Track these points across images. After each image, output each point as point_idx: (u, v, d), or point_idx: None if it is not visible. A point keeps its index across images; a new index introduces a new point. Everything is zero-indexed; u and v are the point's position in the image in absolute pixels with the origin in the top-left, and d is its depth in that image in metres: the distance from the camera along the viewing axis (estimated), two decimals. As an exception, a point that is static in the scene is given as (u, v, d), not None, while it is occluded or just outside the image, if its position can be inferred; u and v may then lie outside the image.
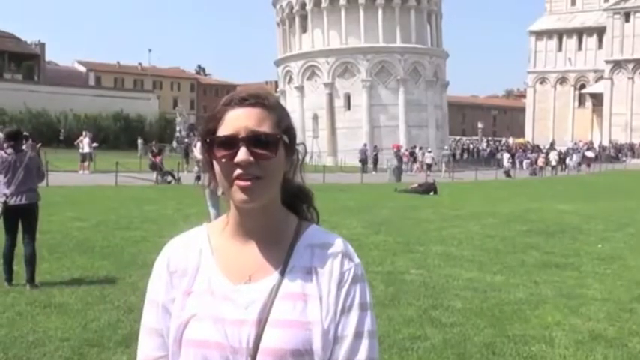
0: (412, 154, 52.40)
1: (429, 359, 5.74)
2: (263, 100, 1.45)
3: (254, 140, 1.40)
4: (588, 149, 74.00)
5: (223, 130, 1.42)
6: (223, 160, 1.41)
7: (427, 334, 6.46)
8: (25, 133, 9.07)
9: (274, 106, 1.47)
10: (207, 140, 1.45)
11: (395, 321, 6.86)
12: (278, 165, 1.44)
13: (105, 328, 6.39)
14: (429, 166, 47.50)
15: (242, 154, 1.39)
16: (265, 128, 1.42)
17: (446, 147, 56.43)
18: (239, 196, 1.41)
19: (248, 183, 1.39)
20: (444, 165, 49.57)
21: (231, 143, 1.40)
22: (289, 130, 1.48)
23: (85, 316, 6.84)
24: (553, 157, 57.47)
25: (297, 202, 1.57)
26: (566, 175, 52.83)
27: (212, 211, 11.70)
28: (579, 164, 62.96)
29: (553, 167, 54.99)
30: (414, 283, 8.83)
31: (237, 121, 1.42)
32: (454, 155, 58.47)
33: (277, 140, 1.43)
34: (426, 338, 6.31)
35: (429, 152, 50.18)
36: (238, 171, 1.39)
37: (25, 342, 5.93)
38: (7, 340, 6.00)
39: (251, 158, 1.39)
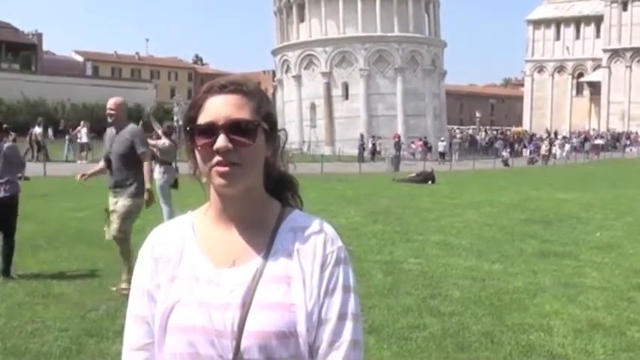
0: (426, 144, 52.82)
1: (427, 348, 5.74)
2: (242, 86, 1.47)
3: (233, 127, 1.41)
4: (586, 138, 74.26)
5: (203, 118, 1.44)
6: (203, 148, 1.43)
7: (426, 323, 6.46)
8: (4, 126, 8.89)
9: (254, 93, 1.48)
10: (188, 128, 1.46)
11: (393, 310, 6.86)
12: (257, 151, 1.45)
13: (103, 318, 6.39)
14: (442, 155, 48.31)
15: (221, 141, 1.40)
16: (244, 115, 1.43)
17: (457, 137, 57.89)
18: (218, 181, 1.42)
19: (227, 168, 1.40)
20: (457, 153, 50.91)
21: (210, 130, 1.42)
22: (269, 117, 1.49)
23: (84, 306, 6.84)
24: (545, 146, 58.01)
25: (281, 188, 1.57)
26: (565, 164, 52.83)
27: (164, 208, 11.15)
28: (587, 152, 63.45)
29: (545, 156, 55.19)
30: (412, 273, 8.84)
31: (216, 108, 1.43)
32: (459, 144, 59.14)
33: (256, 127, 1.44)
34: (425, 327, 6.32)
35: (442, 141, 51.30)
36: (217, 158, 1.41)
37: (24, 332, 5.93)
38: (6, 330, 6.00)
39: (230, 145, 1.40)
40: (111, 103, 7.59)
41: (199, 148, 1.43)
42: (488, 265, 9.58)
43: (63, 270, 8.52)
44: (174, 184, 11.30)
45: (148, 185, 7.45)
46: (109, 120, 7.67)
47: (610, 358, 5.65)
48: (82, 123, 36.44)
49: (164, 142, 11.33)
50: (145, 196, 7.50)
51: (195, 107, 1.46)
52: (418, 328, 6.30)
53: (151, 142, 11.53)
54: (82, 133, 35.47)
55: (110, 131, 7.72)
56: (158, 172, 11.28)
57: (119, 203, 7.47)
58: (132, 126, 7.61)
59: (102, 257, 9.39)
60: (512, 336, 6.14)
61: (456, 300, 7.43)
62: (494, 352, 5.69)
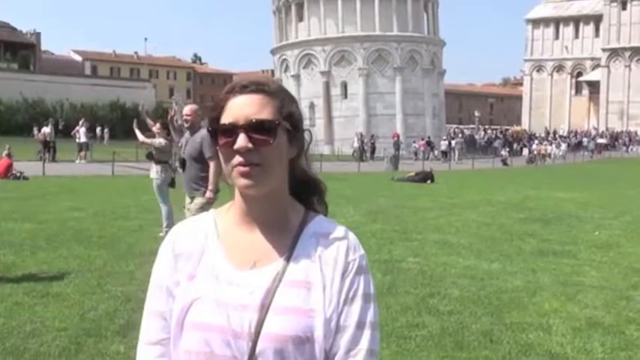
0: (429, 144, 53.09)
1: (426, 347, 5.74)
2: (264, 86, 1.47)
3: (253, 127, 1.41)
4: (596, 137, 74.75)
5: (225, 118, 1.44)
6: (225, 148, 1.43)
7: (425, 322, 6.45)
8: None
9: (276, 93, 1.47)
10: (210, 129, 1.46)
11: (392, 309, 6.85)
12: (278, 151, 1.44)
13: (102, 318, 6.38)
14: (445, 154, 48.63)
15: (241, 141, 1.40)
16: (265, 115, 1.43)
17: (460, 135, 58.75)
18: (240, 181, 1.42)
19: (247, 169, 1.40)
20: (457, 152, 51.27)
21: (231, 130, 1.42)
22: (292, 117, 1.48)
23: (83, 305, 6.82)
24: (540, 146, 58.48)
25: (307, 192, 1.57)
26: (564, 163, 52.85)
27: (162, 207, 11.20)
28: (592, 151, 63.83)
29: (542, 156, 55.48)
30: (411, 272, 8.83)
31: (237, 108, 1.43)
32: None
33: (276, 126, 1.43)
34: (424, 326, 6.31)
35: (444, 140, 51.62)
36: (238, 157, 1.41)
37: (23, 332, 5.91)
38: (5, 330, 5.98)
39: (250, 145, 1.40)
40: (187, 109, 8.32)
41: (220, 147, 1.44)
42: (487, 264, 9.58)
43: (62, 270, 8.49)
44: (172, 184, 11.35)
45: (211, 186, 7.87)
46: (185, 125, 8.45)
47: (609, 357, 5.64)
48: (80, 122, 36.35)
49: (160, 141, 11.33)
50: (208, 194, 7.91)
51: (218, 108, 1.47)
52: (417, 327, 6.30)
53: (147, 140, 11.56)
54: (81, 133, 35.36)
55: (187, 135, 8.39)
56: (155, 171, 11.33)
57: (195, 201, 8.02)
58: (204, 131, 8.02)
59: (101, 257, 9.38)
60: (511, 335, 6.13)
61: (454, 299, 7.42)
62: (493, 351, 5.68)
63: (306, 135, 1.54)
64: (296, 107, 1.51)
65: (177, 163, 11.44)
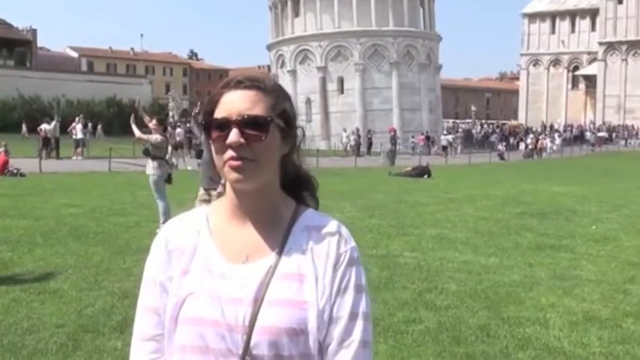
0: (428, 138, 53.18)
1: (423, 342, 5.74)
2: (259, 83, 1.47)
3: (246, 123, 1.42)
4: (599, 130, 75.09)
5: (219, 113, 1.45)
6: (217, 142, 1.44)
7: (422, 317, 6.46)
8: None
9: (271, 90, 1.48)
10: (203, 122, 1.47)
11: (389, 304, 6.86)
12: (270, 147, 1.44)
13: (99, 314, 6.38)
14: (445, 148, 48.82)
15: (233, 136, 1.41)
16: (258, 111, 1.43)
17: (460, 130, 58.90)
18: (231, 175, 1.43)
19: (239, 162, 1.41)
20: (459, 147, 51.84)
21: (224, 125, 1.42)
22: (285, 114, 1.48)
23: (80, 302, 6.82)
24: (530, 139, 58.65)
25: (298, 187, 1.57)
26: (560, 157, 52.88)
27: (159, 203, 11.21)
28: (593, 144, 64.06)
29: (537, 149, 55.58)
30: (408, 267, 8.83)
31: (231, 103, 1.44)
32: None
33: (268, 123, 1.43)
34: (421, 321, 6.32)
35: (445, 135, 51.87)
36: (230, 152, 1.41)
37: (20, 329, 5.91)
38: (2, 327, 5.97)
39: (241, 140, 1.40)
40: None
41: (213, 141, 1.44)
42: (484, 258, 9.58)
43: (59, 266, 8.49)
44: (168, 179, 11.34)
45: (223, 180, 7.85)
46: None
47: (606, 351, 5.65)
48: (77, 119, 36.23)
49: (156, 137, 11.32)
50: (219, 188, 7.93)
51: (212, 102, 1.48)
52: (414, 321, 6.30)
53: (143, 136, 11.55)
54: (77, 129, 35.26)
55: None
56: (151, 167, 11.30)
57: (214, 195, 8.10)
58: None
59: (98, 253, 9.37)
60: (508, 329, 6.14)
61: (451, 293, 7.43)
62: (490, 346, 5.69)
63: (299, 132, 1.54)
64: (290, 105, 1.52)
65: (172, 160, 11.47)
